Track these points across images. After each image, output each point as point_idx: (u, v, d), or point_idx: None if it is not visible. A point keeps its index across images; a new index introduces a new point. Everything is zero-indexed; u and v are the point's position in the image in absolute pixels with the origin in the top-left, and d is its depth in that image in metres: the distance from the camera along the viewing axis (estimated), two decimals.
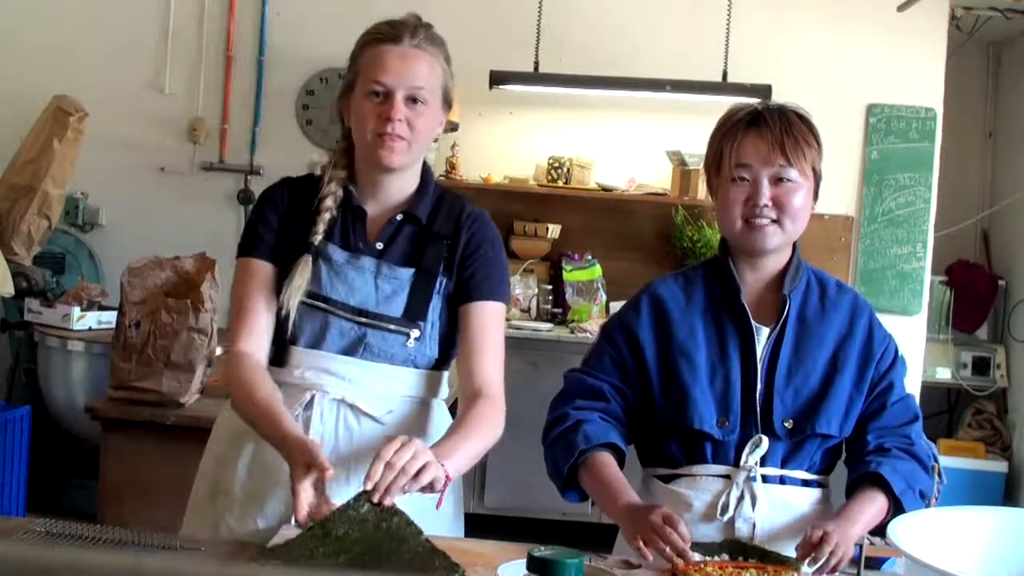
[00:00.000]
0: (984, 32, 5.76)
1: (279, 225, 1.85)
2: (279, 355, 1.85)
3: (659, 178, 5.25)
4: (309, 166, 5.27)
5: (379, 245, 1.84)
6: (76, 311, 4.01)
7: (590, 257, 5.19)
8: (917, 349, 5.27)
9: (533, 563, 1.39)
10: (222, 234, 5.31)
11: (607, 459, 1.77)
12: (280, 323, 1.83)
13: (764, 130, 1.77)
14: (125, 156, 5.27)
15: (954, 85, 5.40)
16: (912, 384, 5.21)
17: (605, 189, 5.13)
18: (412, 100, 1.78)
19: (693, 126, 5.15)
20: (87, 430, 3.47)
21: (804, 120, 1.81)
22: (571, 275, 5.15)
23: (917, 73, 5.24)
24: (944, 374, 5.84)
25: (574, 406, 1.80)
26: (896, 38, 5.20)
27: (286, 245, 1.84)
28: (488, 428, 1.76)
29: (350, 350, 1.81)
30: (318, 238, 1.81)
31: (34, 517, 1.83)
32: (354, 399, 1.81)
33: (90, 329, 4.02)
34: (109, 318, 3.88)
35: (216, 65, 5.34)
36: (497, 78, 4.75)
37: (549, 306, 5.11)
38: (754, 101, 1.88)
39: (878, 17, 5.18)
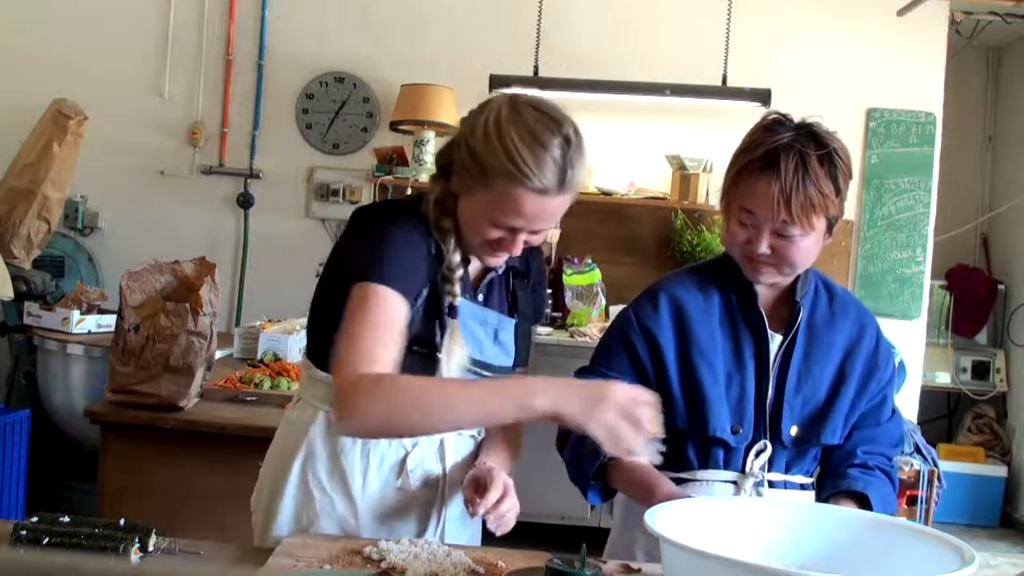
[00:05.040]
0: (984, 36, 5.77)
1: (425, 278, 1.70)
2: None
3: (659, 182, 5.25)
4: (308, 171, 5.30)
5: (481, 296, 1.81)
6: (75, 314, 4.00)
7: (590, 261, 5.19)
8: (917, 353, 5.26)
9: (551, 574, 1.39)
10: (222, 238, 5.32)
11: None
12: None
13: (774, 179, 1.66)
14: (125, 160, 5.27)
15: (954, 89, 5.40)
16: (912, 388, 5.21)
17: (605, 193, 5.13)
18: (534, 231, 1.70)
19: (693, 130, 5.16)
20: (86, 434, 3.46)
21: (827, 160, 1.71)
22: (571, 279, 5.15)
23: (917, 77, 5.24)
24: (944, 378, 5.84)
25: None
26: (896, 42, 5.20)
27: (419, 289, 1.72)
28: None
29: None
30: (457, 301, 1.72)
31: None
32: (474, 431, 1.86)
33: (89, 333, 4.01)
34: (108, 322, 3.88)
35: (216, 69, 5.34)
36: (497, 82, 4.75)
37: (549, 310, 5.11)
38: (788, 127, 1.74)
39: (878, 21, 5.19)
